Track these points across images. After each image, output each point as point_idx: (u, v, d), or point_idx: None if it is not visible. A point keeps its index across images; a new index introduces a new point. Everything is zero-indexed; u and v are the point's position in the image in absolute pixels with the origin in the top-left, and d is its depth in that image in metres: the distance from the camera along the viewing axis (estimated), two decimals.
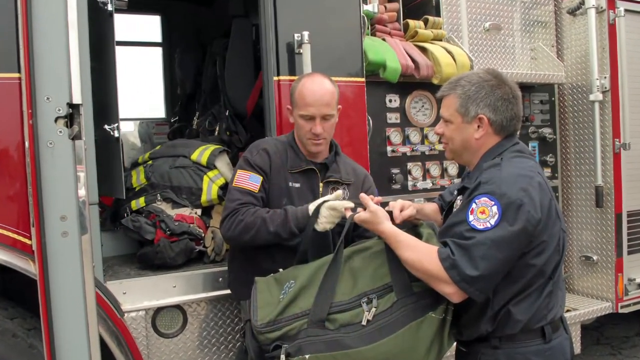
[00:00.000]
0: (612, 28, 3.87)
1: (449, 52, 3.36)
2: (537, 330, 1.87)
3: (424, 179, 3.48)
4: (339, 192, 2.28)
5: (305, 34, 2.78)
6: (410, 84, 3.36)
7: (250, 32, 3.98)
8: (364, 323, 1.87)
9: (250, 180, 2.36)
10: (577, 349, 3.87)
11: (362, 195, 2.07)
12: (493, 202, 1.75)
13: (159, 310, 2.74)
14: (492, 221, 1.74)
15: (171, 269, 2.93)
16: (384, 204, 2.12)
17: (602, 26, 3.89)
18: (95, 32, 2.63)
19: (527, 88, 3.92)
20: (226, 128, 3.96)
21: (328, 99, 2.36)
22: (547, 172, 4.04)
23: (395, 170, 3.36)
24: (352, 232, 2.36)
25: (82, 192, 2.17)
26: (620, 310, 3.96)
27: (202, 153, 3.29)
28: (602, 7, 3.86)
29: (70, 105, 2.14)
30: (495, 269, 1.74)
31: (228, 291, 2.72)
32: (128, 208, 3.21)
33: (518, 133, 2.03)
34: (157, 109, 5.63)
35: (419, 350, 1.85)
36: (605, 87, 3.88)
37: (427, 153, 3.48)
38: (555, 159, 4.10)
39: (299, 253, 2.23)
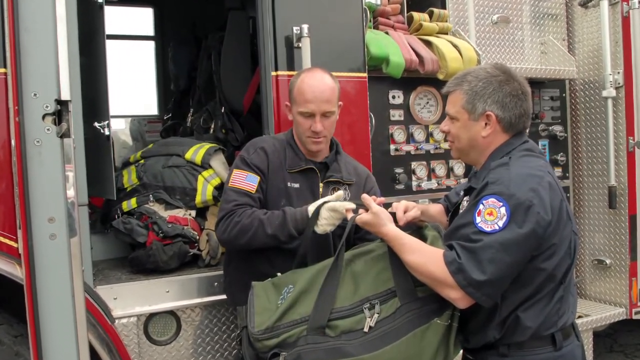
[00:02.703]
0: (625, 21, 3.87)
1: (455, 46, 3.36)
2: (547, 337, 1.87)
3: (429, 179, 3.48)
4: (340, 192, 2.29)
5: (305, 27, 2.78)
6: (414, 79, 3.36)
7: (247, 25, 3.98)
8: (366, 330, 1.87)
9: (247, 181, 2.36)
10: (590, 356, 3.87)
11: (364, 196, 2.07)
12: (501, 203, 1.75)
13: (151, 316, 2.74)
14: (500, 223, 1.74)
15: (164, 273, 2.93)
16: (387, 205, 2.12)
17: (615, 19, 3.89)
18: (85, 26, 2.63)
19: (536, 84, 3.92)
20: (222, 125, 3.96)
21: (328, 95, 2.36)
22: (558, 171, 4.04)
23: (398, 170, 3.36)
24: (353, 235, 2.36)
25: (70, 192, 2.17)
26: (634, 317, 3.96)
27: (196, 152, 3.29)
28: None
29: (59, 101, 2.15)
30: (504, 273, 1.75)
31: (224, 296, 2.72)
32: (119, 209, 3.21)
33: (527, 131, 2.03)
34: (149, 105, 5.64)
35: (423, 358, 1.85)
36: (619, 83, 3.88)
37: (432, 152, 3.48)
38: (566, 158, 4.10)
39: (298, 256, 2.23)
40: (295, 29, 2.81)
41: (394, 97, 3.36)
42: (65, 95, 2.14)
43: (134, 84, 5.62)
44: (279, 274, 2.21)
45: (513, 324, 1.85)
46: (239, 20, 3.93)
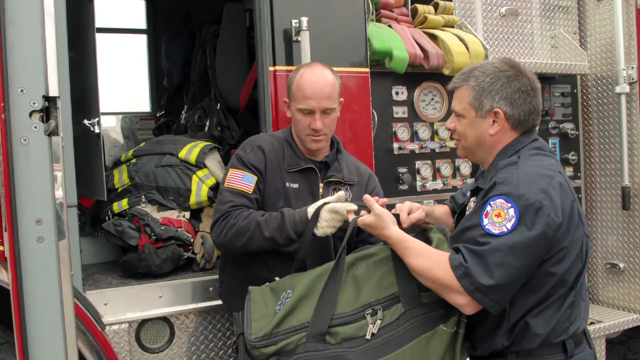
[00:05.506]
0: None
1: (462, 40, 3.37)
2: (557, 345, 1.87)
3: (434, 178, 3.48)
4: (341, 193, 2.28)
5: (304, 20, 2.78)
6: (418, 74, 3.36)
7: (244, 17, 3.98)
8: (368, 337, 1.87)
9: (243, 181, 2.36)
10: None
11: (367, 196, 2.08)
12: (510, 205, 1.75)
13: (143, 322, 2.74)
14: (509, 225, 1.74)
15: (157, 277, 2.93)
16: (390, 207, 2.12)
17: (629, 11, 3.89)
18: (74, 19, 2.63)
19: (547, 79, 3.93)
20: (217, 123, 3.97)
21: (329, 91, 2.36)
22: (569, 171, 4.04)
23: (402, 170, 3.37)
24: (355, 237, 2.36)
25: (59, 193, 2.17)
26: None
27: (190, 150, 3.29)
28: None
29: (47, 98, 2.14)
30: (512, 278, 1.75)
31: (219, 302, 2.72)
32: (110, 211, 3.21)
33: (537, 129, 2.03)
34: (141, 102, 5.64)
35: None
36: (633, 78, 3.88)
37: (437, 150, 3.48)
38: (577, 157, 4.10)
39: (296, 260, 2.23)
40: (294, 22, 2.81)
41: (397, 93, 3.36)
42: (53, 92, 2.14)
43: (125, 79, 5.62)
44: (277, 278, 2.21)
45: (522, 331, 1.85)
46: (235, 13, 3.93)
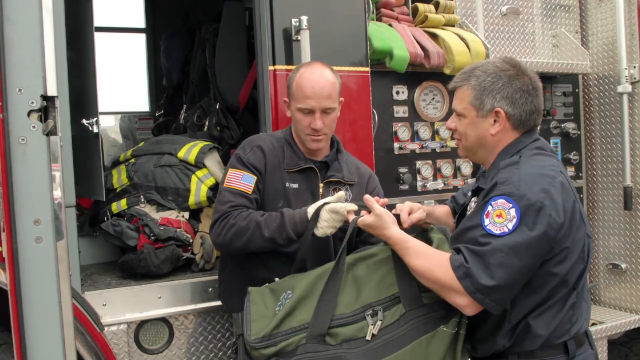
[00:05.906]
0: None
1: (462, 39, 3.37)
2: (559, 346, 1.87)
3: (435, 178, 3.48)
4: (341, 193, 2.28)
5: (304, 18, 2.78)
6: (419, 74, 3.36)
7: (243, 16, 3.98)
8: (368, 338, 1.87)
9: (243, 181, 2.36)
10: None
11: (367, 196, 2.08)
12: (511, 205, 1.75)
13: (142, 323, 2.74)
14: (510, 225, 1.74)
15: (156, 278, 2.93)
16: (390, 207, 2.12)
17: (631, 10, 3.89)
18: (73, 18, 2.63)
19: (548, 79, 3.92)
20: (216, 123, 3.97)
21: (329, 90, 2.36)
22: (571, 171, 4.04)
23: (402, 170, 3.37)
24: (355, 238, 2.36)
25: (57, 193, 2.17)
26: None
27: (190, 150, 3.29)
28: None
29: (45, 97, 2.14)
30: (514, 278, 1.75)
31: (218, 302, 2.73)
32: (108, 211, 3.21)
33: (538, 128, 2.03)
34: (140, 101, 5.63)
35: None
36: (635, 78, 3.88)
37: (438, 150, 3.49)
38: (579, 156, 4.10)
39: (296, 261, 2.23)
40: (294, 21, 2.81)
41: (398, 92, 3.36)
42: (51, 91, 2.14)
43: (124, 79, 5.62)
44: (276, 279, 2.21)
45: (523, 332, 1.85)
46: (235, 12, 3.93)
